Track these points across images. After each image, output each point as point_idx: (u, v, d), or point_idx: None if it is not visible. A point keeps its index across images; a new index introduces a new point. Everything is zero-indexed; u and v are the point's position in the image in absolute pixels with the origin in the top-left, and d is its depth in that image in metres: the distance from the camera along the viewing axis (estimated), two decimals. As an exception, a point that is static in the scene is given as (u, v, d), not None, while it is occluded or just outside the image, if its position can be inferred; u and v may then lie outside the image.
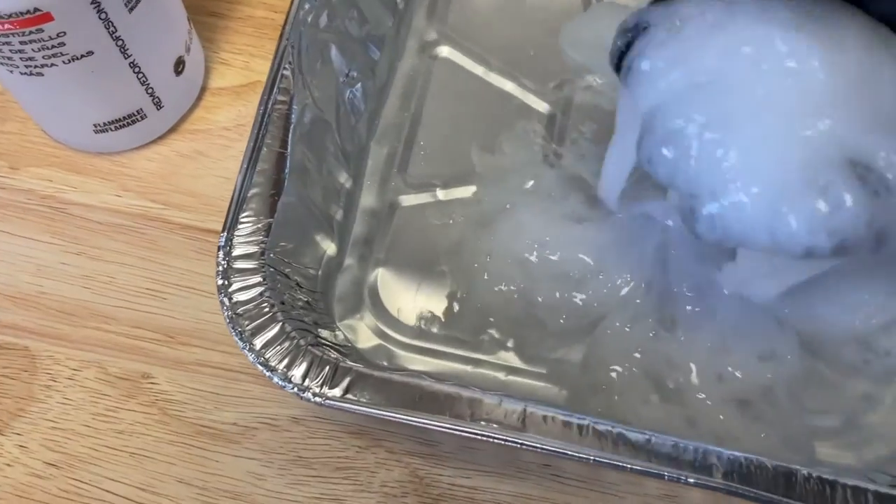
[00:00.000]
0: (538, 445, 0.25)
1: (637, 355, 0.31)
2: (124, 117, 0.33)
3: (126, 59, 0.31)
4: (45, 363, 0.33)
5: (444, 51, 0.38)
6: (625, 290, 0.32)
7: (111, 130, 0.34)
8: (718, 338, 0.30)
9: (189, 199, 0.35)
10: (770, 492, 0.24)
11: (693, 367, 0.30)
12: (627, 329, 0.31)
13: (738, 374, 0.30)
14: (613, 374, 0.30)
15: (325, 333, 0.30)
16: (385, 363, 0.31)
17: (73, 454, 0.31)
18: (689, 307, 0.31)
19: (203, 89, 0.37)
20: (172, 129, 0.36)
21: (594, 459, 0.25)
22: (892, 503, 0.25)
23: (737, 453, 0.25)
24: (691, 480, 0.24)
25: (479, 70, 0.37)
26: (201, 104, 0.37)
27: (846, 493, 0.25)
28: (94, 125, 0.33)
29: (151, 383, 0.32)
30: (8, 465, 0.31)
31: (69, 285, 0.34)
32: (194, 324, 0.33)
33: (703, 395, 0.30)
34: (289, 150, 0.30)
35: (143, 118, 0.34)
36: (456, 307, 0.33)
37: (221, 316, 0.33)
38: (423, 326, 0.33)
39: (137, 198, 0.35)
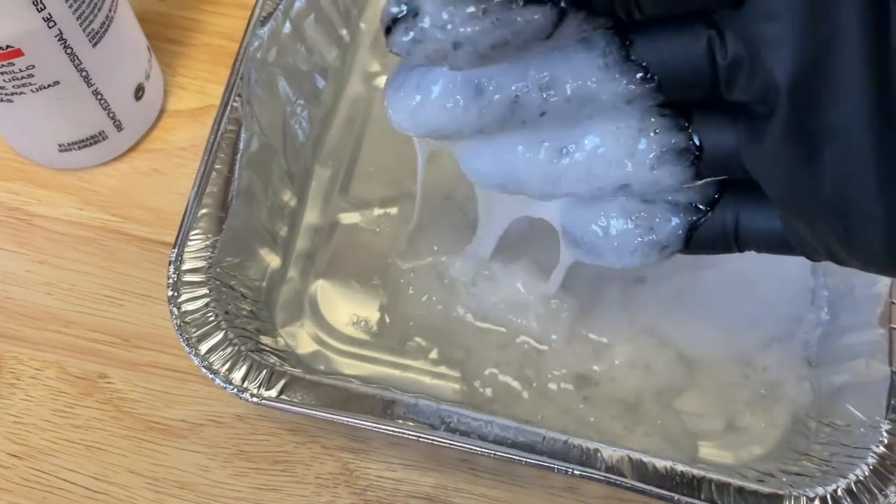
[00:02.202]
0: (447, 441, 0.29)
1: (505, 365, 0.35)
2: (87, 138, 0.37)
3: (90, 87, 0.34)
4: (9, 363, 0.36)
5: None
6: (517, 299, 0.35)
7: (75, 150, 0.37)
8: (590, 349, 0.34)
9: (146, 213, 0.38)
10: (644, 482, 0.28)
11: (561, 370, 0.34)
12: (501, 341, 0.35)
13: (608, 378, 0.34)
14: (487, 392, 0.34)
15: (266, 340, 0.33)
16: (322, 367, 0.35)
17: (33, 446, 0.34)
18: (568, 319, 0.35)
19: (161, 111, 0.40)
20: (132, 148, 0.39)
21: (495, 454, 0.29)
22: (752, 496, 0.29)
23: (619, 450, 0.29)
24: (577, 472, 0.28)
25: (417, 100, 0.41)
26: (159, 125, 0.40)
27: (711, 486, 0.29)
28: (59, 145, 0.36)
29: (107, 382, 0.35)
30: (-27, 455, 0.34)
31: (33, 291, 0.37)
32: (148, 329, 0.36)
33: (580, 397, 0.34)
34: (236, 174, 0.33)
35: (104, 139, 0.37)
36: (387, 317, 0.36)
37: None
38: (357, 334, 0.36)
39: (98, 211, 0.38)
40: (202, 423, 0.35)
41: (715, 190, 0.25)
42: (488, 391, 0.34)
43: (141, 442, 0.34)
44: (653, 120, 0.24)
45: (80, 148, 0.37)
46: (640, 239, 0.25)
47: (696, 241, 0.26)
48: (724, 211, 0.25)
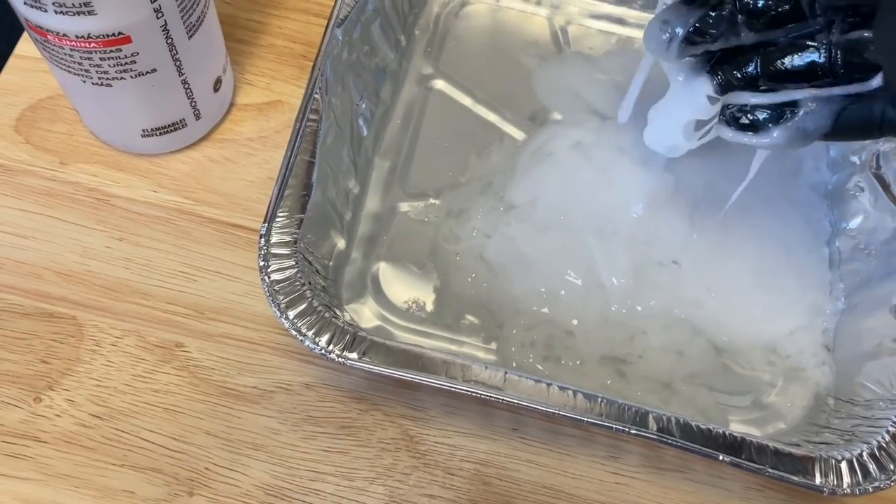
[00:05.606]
0: (514, 400, 0.32)
1: (530, 346, 0.38)
2: (169, 125, 0.39)
3: (180, 76, 0.37)
4: (91, 331, 0.38)
5: (439, 83, 0.45)
6: (559, 287, 0.39)
7: (156, 136, 0.40)
8: (625, 335, 0.38)
9: (217, 197, 0.41)
10: (694, 442, 0.31)
11: (593, 351, 0.37)
12: (530, 322, 0.38)
13: (640, 358, 0.38)
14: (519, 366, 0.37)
15: (337, 312, 0.36)
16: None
17: (114, 408, 0.37)
18: (610, 304, 0.39)
19: (231, 105, 0.43)
20: (204, 138, 0.42)
21: (558, 413, 0.32)
22: (787, 457, 0.32)
23: (668, 413, 0.32)
24: (633, 431, 0.31)
25: (467, 101, 0.44)
26: (229, 117, 0.43)
27: (751, 447, 0.32)
28: (143, 130, 0.39)
29: (183, 351, 0.38)
30: (58, 415, 0.36)
31: (112, 266, 0.39)
32: (221, 303, 0.39)
33: (614, 371, 0.37)
34: (317, 159, 0.36)
35: (183, 126, 0.40)
36: (440, 296, 0.39)
37: (245, 296, 0.39)
38: (415, 312, 0.39)
39: (172, 194, 0.41)
40: (272, 391, 0.37)
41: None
42: (520, 367, 0.37)
43: (216, 406, 0.37)
44: None
45: (161, 134, 0.40)
46: (798, 126, 0.31)
47: (841, 124, 0.31)
48: (876, 102, 0.30)
